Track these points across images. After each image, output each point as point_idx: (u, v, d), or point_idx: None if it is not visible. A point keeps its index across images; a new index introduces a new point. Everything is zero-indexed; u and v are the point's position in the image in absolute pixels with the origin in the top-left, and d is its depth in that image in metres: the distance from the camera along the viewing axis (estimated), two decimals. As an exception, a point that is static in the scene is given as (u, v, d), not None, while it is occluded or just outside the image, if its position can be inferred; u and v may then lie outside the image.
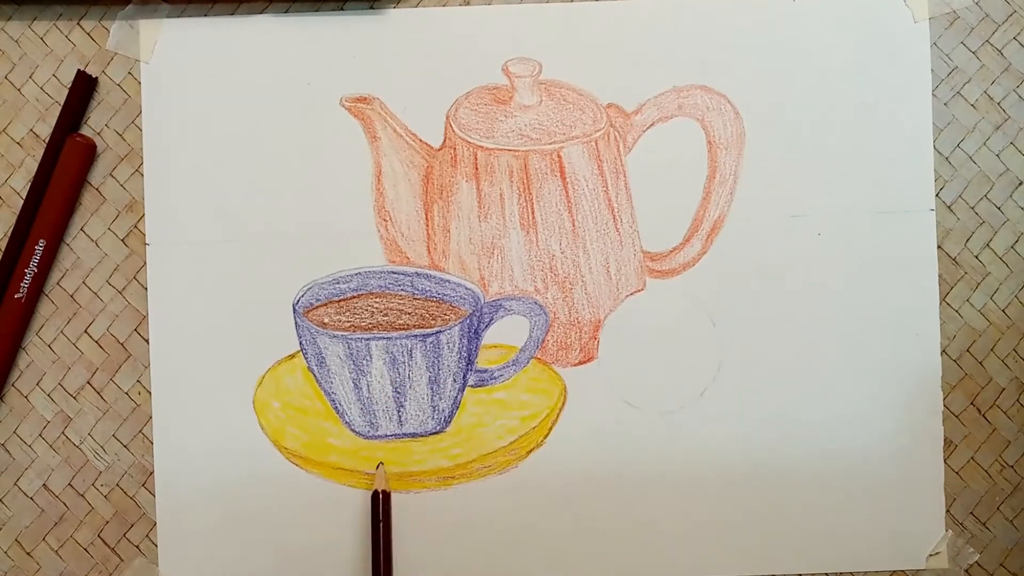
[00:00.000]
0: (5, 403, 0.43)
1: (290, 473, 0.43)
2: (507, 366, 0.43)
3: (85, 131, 0.43)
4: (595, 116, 0.43)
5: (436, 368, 0.42)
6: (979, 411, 0.43)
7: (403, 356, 0.42)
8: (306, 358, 0.43)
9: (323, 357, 0.42)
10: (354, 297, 0.43)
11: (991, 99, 0.44)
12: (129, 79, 0.43)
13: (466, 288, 0.43)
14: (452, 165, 0.43)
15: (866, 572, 0.43)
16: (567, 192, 0.43)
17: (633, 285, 0.43)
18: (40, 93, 0.43)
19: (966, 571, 0.43)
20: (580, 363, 0.43)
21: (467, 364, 0.43)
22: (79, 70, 0.43)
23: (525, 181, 0.43)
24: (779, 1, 0.43)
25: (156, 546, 0.43)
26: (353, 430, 0.43)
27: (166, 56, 0.43)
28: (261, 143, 0.43)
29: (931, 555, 0.43)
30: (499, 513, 0.43)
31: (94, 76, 0.43)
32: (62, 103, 0.43)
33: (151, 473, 0.43)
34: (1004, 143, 0.44)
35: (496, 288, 0.43)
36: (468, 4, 0.43)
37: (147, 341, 0.43)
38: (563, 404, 0.43)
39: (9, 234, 0.43)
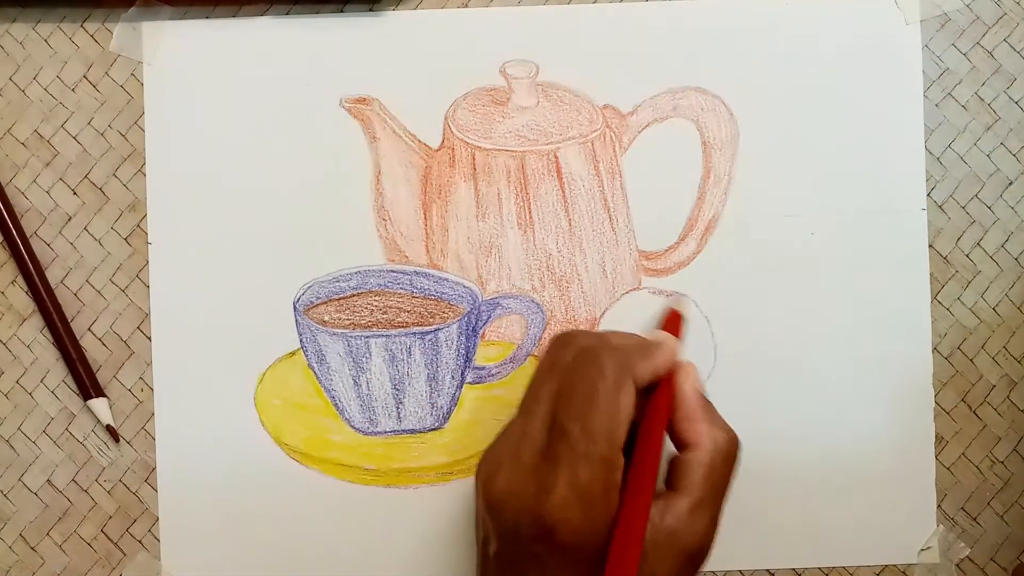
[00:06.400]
0: (10, 400, 0.43)
1: (291, 469, 0.43)
2: (505, 363, 0.44)
3: (89, 131, 0.43)
4: (591, 117, 0.44)
5: (435, 365, 0.42)
6: (970, 408, 0.44)
7: (402, 353, 0.42)
8: (306, 356, 0.43)
9: (323, 354, 0.43)
10: (354, 295, 0.43)
11: (982, 100, 0.44)
12: (132, 80, 0.44)
13: (464, 286, 0.43)
14: (450, 165, 0.44)
15: (858, 567, 0.43)
16: (564, 192, 0.43)
17: (629, 284, 0.44)
18: (44, 95, 0.44)
19: (957, 565, 0.44)
20: (577, 360, 0.44)
21: (465, 361, 0.43)
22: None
23: (522, 181, 0.43)
24: (773, 4, 0.44)
25: (158, 541, 0.43)
26: (353, 427, 0.44)
27: (168, 58, 0.43)
28: (262, 143, 0.44)
29: (922, 550, 0.43)
30: (497, 508, 0.43)
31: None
32: (64, 103, 0.43)
33: (153, 469, 0.43)
34: (994, 143, 0.44)
35: (494, 286, 0.44)
36: (466, 7, 0.44)
37: (149, 339, 0.43)
38: (560, 401, 0.43)
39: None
